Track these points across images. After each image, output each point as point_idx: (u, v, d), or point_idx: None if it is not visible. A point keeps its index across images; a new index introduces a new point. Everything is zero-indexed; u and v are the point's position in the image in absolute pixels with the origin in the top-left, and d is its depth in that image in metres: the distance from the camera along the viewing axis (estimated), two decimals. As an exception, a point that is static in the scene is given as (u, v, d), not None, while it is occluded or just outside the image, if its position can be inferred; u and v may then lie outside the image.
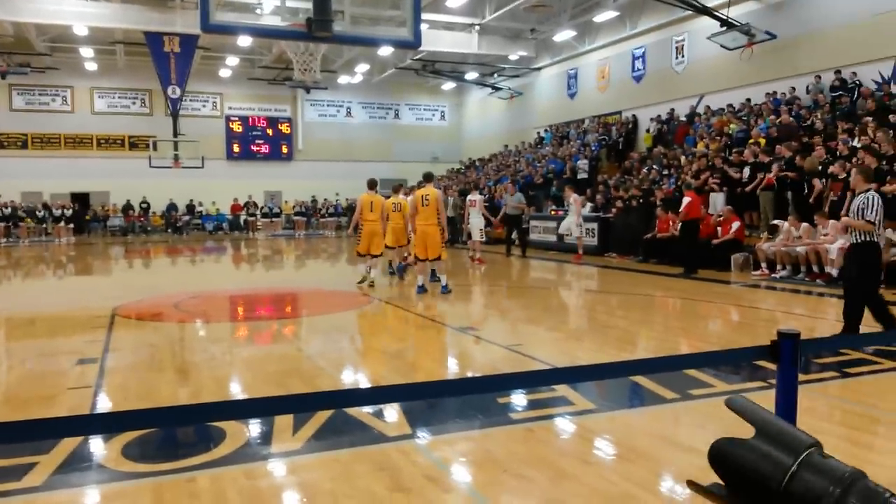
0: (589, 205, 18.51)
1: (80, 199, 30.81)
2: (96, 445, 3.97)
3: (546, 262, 16.41)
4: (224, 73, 31.79)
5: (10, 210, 28.50)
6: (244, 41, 26.33)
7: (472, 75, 31.38)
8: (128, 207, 30.89)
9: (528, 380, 3.62)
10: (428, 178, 10.74)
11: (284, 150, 34.16)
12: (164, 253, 21.90)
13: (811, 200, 12.24)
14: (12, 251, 22.86)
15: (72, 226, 29.23)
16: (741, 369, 5.54)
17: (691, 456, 3.77)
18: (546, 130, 28.06)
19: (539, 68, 28.88)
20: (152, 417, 2.50)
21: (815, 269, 11.12)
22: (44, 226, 29.12)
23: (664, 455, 3.81)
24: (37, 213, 29.09)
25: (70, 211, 29.59)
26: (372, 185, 11.58)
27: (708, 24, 18.76)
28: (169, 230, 30.84)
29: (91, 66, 30.05)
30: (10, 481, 3.47)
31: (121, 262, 19.28)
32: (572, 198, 16.11)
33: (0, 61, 27.18)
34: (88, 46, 27.58)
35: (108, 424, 2.68)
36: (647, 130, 21.40)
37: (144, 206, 31.23)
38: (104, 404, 5.04)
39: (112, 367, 6.15)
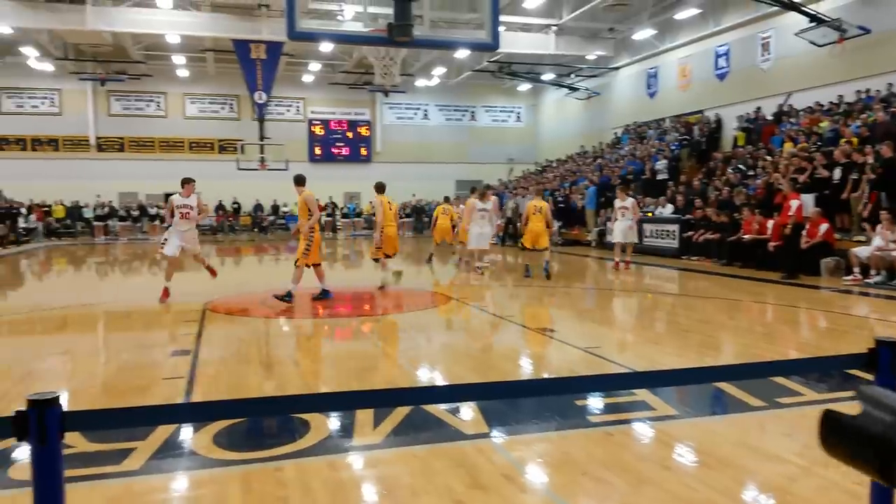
0: (669, 206, 18.09)
1: (173, 200, 32.34)
2: (189, 433, 4.15)
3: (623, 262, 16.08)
4: (307, 78, 32.73)
5: (107, 210, 30.26)
6: (326, 47, 27.01)
7: (548, 76, 31.15)
8: (219, 207, 32.30)
9: (609, 383, 3.59)
10: (380, 188, 11.42)
11: (363, 152, 34.87)
12: (250, 251, 22.74)
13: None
14: (110, 249, 24.20)
15: (166, 224, 30.74)
16: (832, 378, 5.32)
17: (777, 465, 3.66)
18: (624, 132, 27.57)
19: (617, 68, 28.40)
20: (243, 408, 2.63)
21: (914, 275, 10.52)
22: (139, 224, 30.73)
23: (748, 463, 3.71)
24: (131, 212, 30.74)
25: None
26: (472, 191, 13.70)
27: (796, 20, 18.03)
28: (255, 229, 31.99)
29: (183, 73, 31.50)
30: (111, 465, 3.67)
31: (211, 260, 20.08)
32: (628, 201, 14.34)
33: (99, 69, 28.85)
34: (180, 54, 28.95)
35: (202, 413, 2.83)
36: (743, 129, 20.61)
37: (235, 206, 32.55)
38: (197, 394, 5.28)
39: (204, 359, 6.43)
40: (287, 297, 9.37)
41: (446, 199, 16.76)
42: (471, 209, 13.13)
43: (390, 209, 11.27)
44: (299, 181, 9.83)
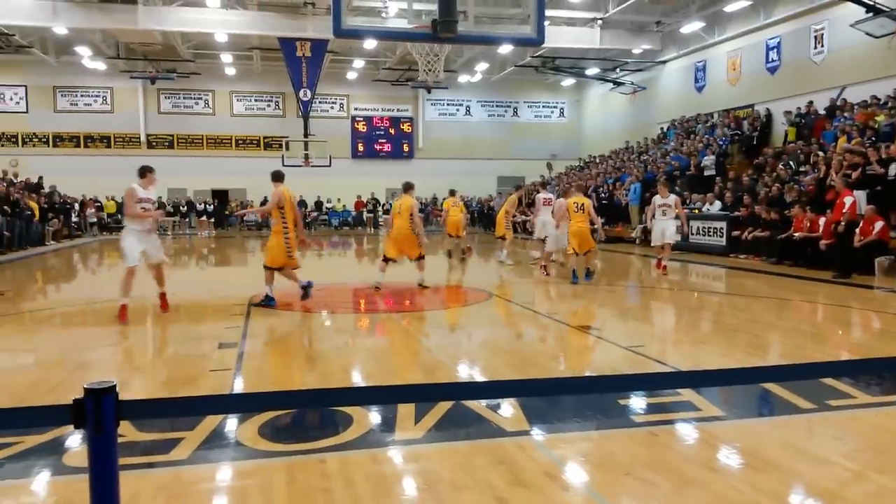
0: (717, 203, 17.74)
1: (220, 196, 33.04)
2: (235, 425, 4.22)
3: (669, 262, 15.83)
4: (350, 75, 33.04)
5: (157, 205, 31.04)
6: (369, 44, 27.23)
7: (593, 71, 30.79)
8: (264, 203, 32.83)
9: (653, 382, 3.55)
10: (407, 187, 11.02)
11: (406, 148, 35.06)
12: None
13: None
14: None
15: (212, 220, 31.45)
16: (884, 381, 5.15)
17: (827, 468, 3.57)
18: (670, 126, 27.12)
19: (664, 61, 27.94)
20: (288, 399, 2.67)
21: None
22: (187, 220, 31.49)
23: (797, 466, 3.62)
24: (180, 207, 31.49)
25: (211, 206, 31.86)
26: (517, 188, 14.37)
27: (851, 11, 17.46)
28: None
29: (230, 71, 32.11)
30: (160, 454, 3.77)
31: (256, 255, 20.45)
32: (670, 198, 13.18)
33: (150, 68, 29.59)
34: (228, 52, 29.52)
35: (250, 404, 2.89)
36: (793, 124, 20.02)
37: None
38: (243, 386, 5.38)
39: (249, 351, 6.56)
40: (305, 288, 9.44)
41: (452, 193, 16.61)
42: (539, 205, 14.43)
43: (398, 211, 10.81)
44: (276, 177, 9.32)
